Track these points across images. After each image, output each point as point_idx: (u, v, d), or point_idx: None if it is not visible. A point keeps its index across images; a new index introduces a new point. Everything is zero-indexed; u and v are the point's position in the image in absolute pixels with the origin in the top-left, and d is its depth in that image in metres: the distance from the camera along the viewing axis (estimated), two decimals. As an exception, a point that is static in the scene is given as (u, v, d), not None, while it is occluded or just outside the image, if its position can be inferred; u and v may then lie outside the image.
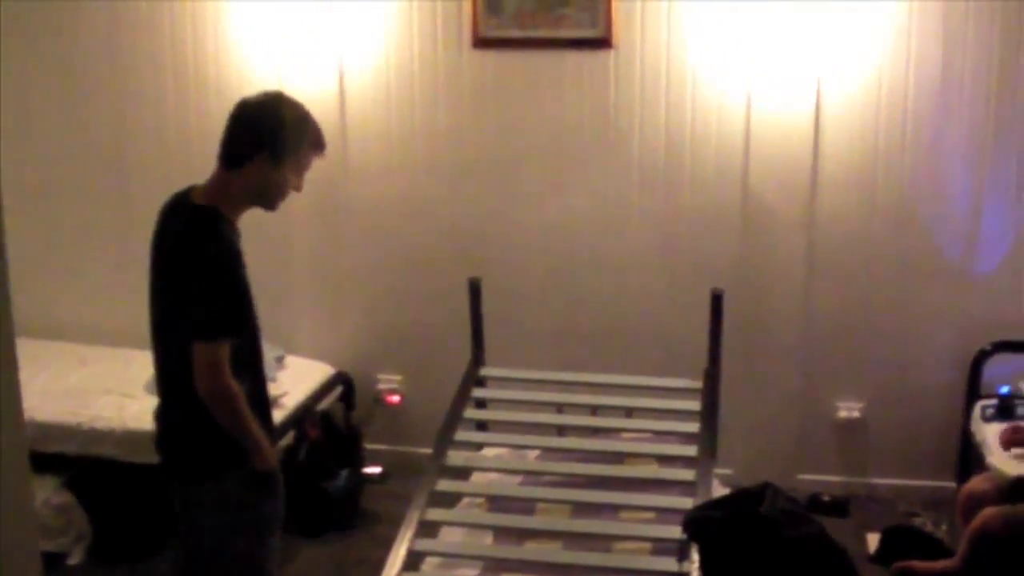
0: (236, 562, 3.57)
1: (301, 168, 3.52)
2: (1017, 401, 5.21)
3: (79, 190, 6.17)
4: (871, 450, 5.84)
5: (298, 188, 3.56)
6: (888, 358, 5.69)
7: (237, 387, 3.35)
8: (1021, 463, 4.74)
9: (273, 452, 3.57)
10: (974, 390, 5.47)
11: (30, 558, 2.89)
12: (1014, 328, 5.42)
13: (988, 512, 4.35)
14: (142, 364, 5.72)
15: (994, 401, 5.27)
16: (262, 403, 3.60)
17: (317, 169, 5.80)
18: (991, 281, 5.50)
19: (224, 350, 3.30)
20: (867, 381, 5.74)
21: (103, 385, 5.58)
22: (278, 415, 5.22)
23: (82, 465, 5.28)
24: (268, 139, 3.39)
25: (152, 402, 5.35)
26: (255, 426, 3.44)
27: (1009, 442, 4.87)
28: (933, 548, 5.05)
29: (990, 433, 5.06)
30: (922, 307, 5.59)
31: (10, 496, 2.70)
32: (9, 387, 2.68)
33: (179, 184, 5.88)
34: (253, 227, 5.94)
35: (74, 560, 5.23)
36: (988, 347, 5.42)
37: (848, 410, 5.78)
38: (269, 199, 3.54)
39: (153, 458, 5.14)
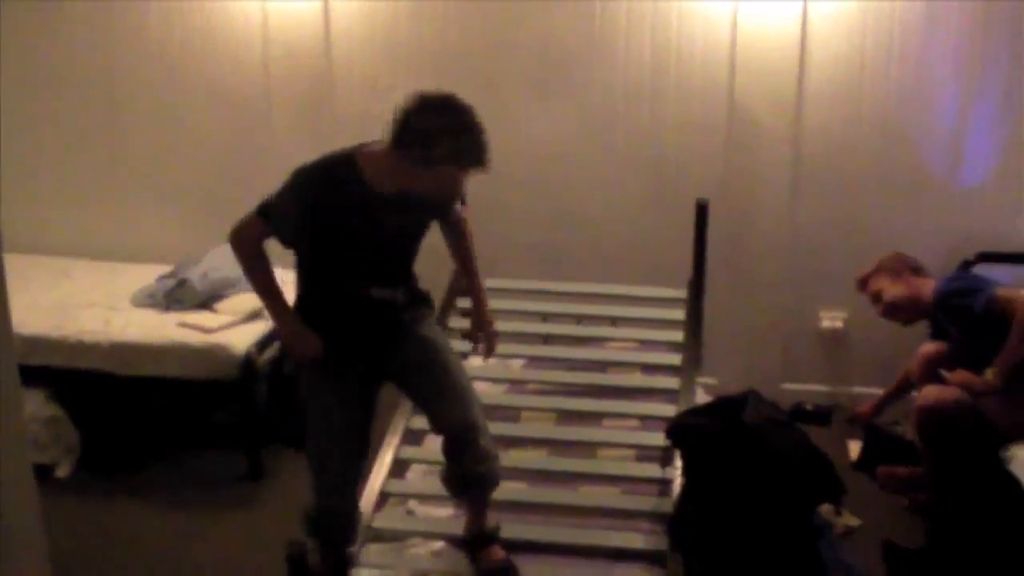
0: None
1: (445, 178, 3.48)
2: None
3: (65, 106, 6.13)
4: (854, 360, 5.88)
5: (451, 196, 3.72)
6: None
7: (253, 254, 3.74)
8: None
9: (302, 344, 3.68)
10: (957, 300, 5.51)
11: (22, 470, 2.91)
12: (997, 240, 5.44)
13: (927, 390, 4.47)
14: (127, 277, 5.77)
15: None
16: (330, 309, 3.73)
17: (300, 85, 5.83)
18: (975, 194, 5.51)
19: (253, 222, 3.70)
20: (851, 292, 5.71)
21: (89, 298, 5.59)
22: (262, 327, 5.28)
23: (69, 378, 5.30)
24: (412, 142, 3.38)
25: (137, 314, 5.41)
26: (275, 305, 3.73)
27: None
28: (913, 455, 5.12)
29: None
30: (906, 219, 5.60)
31: (1, 409, 2.72)
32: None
33: (162, 102, 5.93)
34: (235, 144, 5.97)
35: (63, 472, 5.26)
36: (971, 258, 5.44)
37: (831, 320, 5.82)
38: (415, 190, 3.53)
39: (140, 370, 5.21)
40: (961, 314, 4.57)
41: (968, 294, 4.53)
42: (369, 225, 3.57)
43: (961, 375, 4.46)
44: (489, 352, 4.04)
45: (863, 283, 5.05)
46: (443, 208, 3.86)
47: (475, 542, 3.73)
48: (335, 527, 3.72)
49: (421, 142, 3.37)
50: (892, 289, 4.90)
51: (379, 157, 3.49)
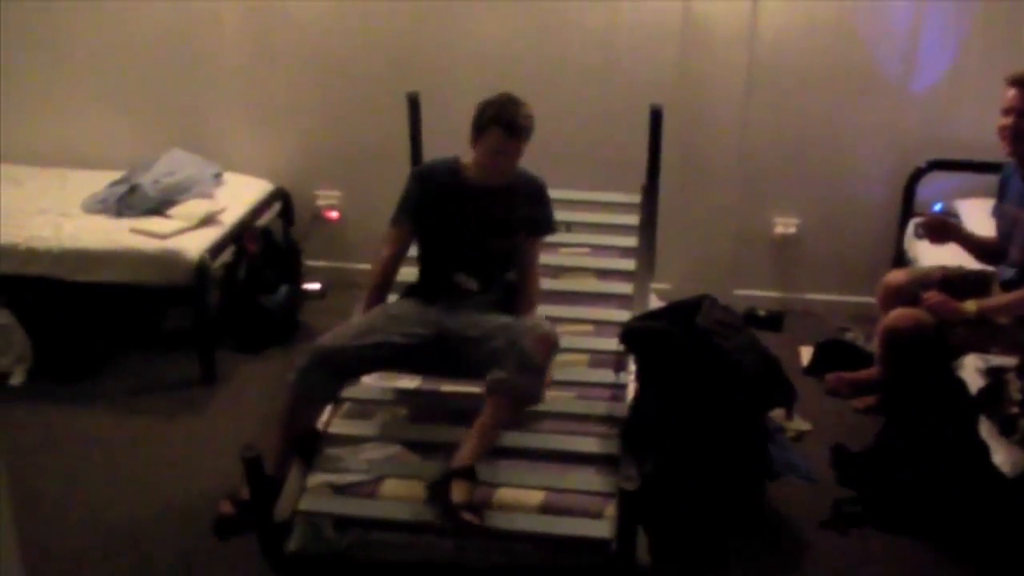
0: None
1: (486, 146, 4.13)
2: (950, 219, 5.28)
3: (8, 10, 5.97)
4: (806, 266, 5.92)
5: (487, 166, 4.20)
6: (825, 175, 5.73)
7: (379, 254, 4.34)
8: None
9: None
10: (908, 208, 5.54)
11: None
12: (949, 146, 5.46)
13: (898, 312, 4.47)
14: (77, 183, 5.71)
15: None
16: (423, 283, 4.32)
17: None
18: (928, 99, 5.52)
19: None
20: (803, 198, 5.78)
21: (39, 205, 5.51)
22: (216, 232, 5.28)
23: (21, 285, 5.25)
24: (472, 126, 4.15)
25: (88, 220, 5.35)
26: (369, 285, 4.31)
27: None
28: (863, 361, 5.17)
29: (922, 250, 5.13)
30: (859, 125, 5.61)
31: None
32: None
33: (108, 7, 5.78)
34: (185, 47, 5.87)
35: (16, 380, 5.23)
36: (923, 165, 5.47)
37: (784, 226, 5.84)
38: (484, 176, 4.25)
39: (92, 276, 5.16)
40: None
41: None
42: (458, 210, 4.19)
43: (938, 297, 4.43)
44: None
45: (1018, 83, 4.37)
46: (522, 223, 4.31)
47: (453, 474, 3.57)
48: (317, 360, 3.80)
49: (474, 121, 4.14)
50: None
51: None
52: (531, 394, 3.74)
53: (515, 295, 4.27)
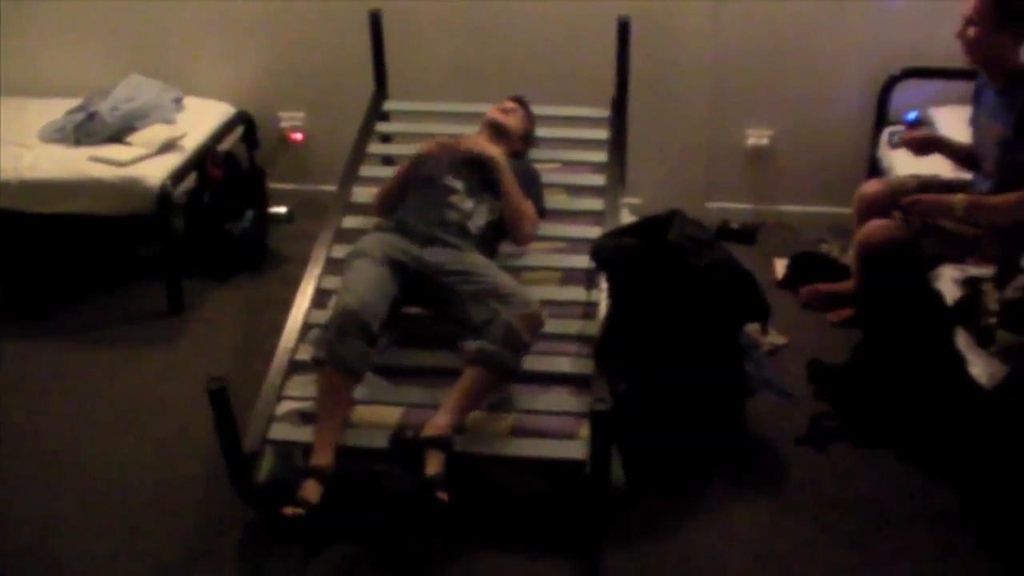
0: None
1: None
2: (923, 127, 5.21)
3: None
4: (779, 178, 5.85)
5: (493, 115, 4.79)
6: (797, 85, 5.64)
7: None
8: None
9: None
10: (882, 117, 5.47)
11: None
12: (924, 55, 5.38)
13: (872, 224, 4.42)
14: (36, 113, 5.61)
15: (901, 128, 5.26)
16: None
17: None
18: (903, 7, 5.42)
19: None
20: (776, 108, 5.70)
21: (-3, 136, 5.41)
22: (177, 159, 5.20)
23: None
24: None
25: (46, 150, 5.25)
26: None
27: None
28: (838, 273, 5.13)
29: (896, 159, 5.07)
30: (833, 34, 5.51)
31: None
32: None
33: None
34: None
35: (-17, 315, 5.18)
36: (897, 73, 5.39)
37: (757, 138, 5.76)
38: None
39: (52, 207, 5.07)
40: None
41: None
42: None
43: (925, 198, 4.31)
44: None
45: None
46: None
47: (429, 443, 3.48)
48: (347, 327, 3.63)
49: None
50: (987, 30, 4.16)
51: None
52: (512, 369, 3.68)
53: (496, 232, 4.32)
